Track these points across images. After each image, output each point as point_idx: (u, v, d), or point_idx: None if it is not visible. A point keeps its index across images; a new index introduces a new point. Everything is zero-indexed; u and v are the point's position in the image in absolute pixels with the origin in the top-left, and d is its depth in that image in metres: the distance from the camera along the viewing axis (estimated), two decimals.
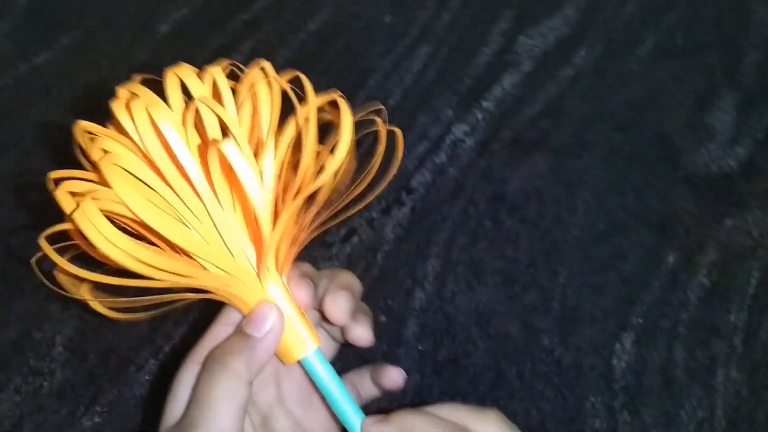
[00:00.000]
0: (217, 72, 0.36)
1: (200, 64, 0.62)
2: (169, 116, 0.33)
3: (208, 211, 0.33)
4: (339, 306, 0.36)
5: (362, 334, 0.38)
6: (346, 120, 0.36)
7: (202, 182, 0.33)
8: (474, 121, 0.60)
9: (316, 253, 0.55)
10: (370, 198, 0.40)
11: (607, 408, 0.49)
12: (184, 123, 0.34)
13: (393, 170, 0.40)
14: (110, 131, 0.35)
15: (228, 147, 0.31)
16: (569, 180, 0.57)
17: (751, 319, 0.52)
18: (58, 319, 0.52)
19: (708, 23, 0.66)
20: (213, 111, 0.33)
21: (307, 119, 0.36)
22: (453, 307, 0.53)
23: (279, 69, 0.63)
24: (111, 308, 0.38)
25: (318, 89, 0.59)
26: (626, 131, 0.60)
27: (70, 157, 0.51)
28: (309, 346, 0.36)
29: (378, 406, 0.48)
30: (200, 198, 0.33)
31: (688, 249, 0.55)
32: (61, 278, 0.36)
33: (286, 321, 0.36)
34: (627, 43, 0.64)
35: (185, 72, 0.36)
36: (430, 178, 0.58)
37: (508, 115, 0.60)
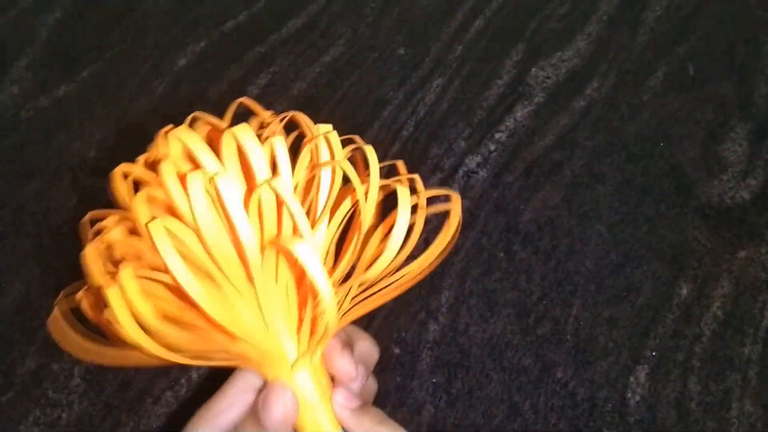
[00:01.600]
0: (278, 143, 0.34)
1: (217, 96, 0.64)
2: (236, 191, 0.31)
3: (254, 286, 0.32)
4: (355, 386, 0.36)
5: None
6: (404, 211, 0.34)
7: (255, 256, 0.32)
8: (487, 153, 0.61)
9: None
10: (421, 275, 0.38)
11: None
12: (246, 202, 0.32)
13: (447, 249, 0.39)
14: (153, 180, 0.34)
15: (300, 248, 0.29)
16: (582, 211, 0.58)
17: (765, 352, 0.52)
18: None
19: (720, 54, 0.67)
20: (280, 196, 0.32)
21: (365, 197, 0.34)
22: (467, 339, 0.53)
23: (294, 101, 0.64)
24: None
25: (333, 121, 0.60)
26: (639, 162, 0.60)
27: (90, 189, 0.53)
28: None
29: None
30: (248, 272, 0.32)
31: (702, 281, 0.55)
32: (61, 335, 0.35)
33: (310, 409, 0.35)
34: (639, 75, 0.65)
35: (245, 134, 0.33)
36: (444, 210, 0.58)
37: (521, 147, 0.61)
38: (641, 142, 0.61)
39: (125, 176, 0.35)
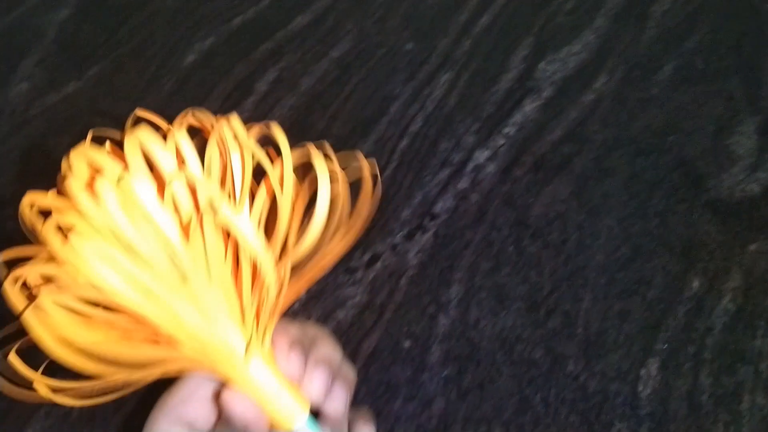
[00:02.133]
0: (178, 135, 0.34)
1: (225, 92, 0.64)
2: (147, 188, 0.32)
3: (191, 284, 0.32)
4: (315, 387, 0.37)
5: (334, 409, 0.37)
6: (323, 180, 0.35)
7: (182, 254, 0.32)
8: (496, 147, 0.61)
9: (340, 279, 0.55)
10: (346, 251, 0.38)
11: None
12: (160, 195, 0.32)
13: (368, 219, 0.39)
14: (64, 203, 0.33)
15: (225, 212, 0.30)
16: (592, 205, 0.58)
17: None
18: None
19: (728, 48, 0.67)
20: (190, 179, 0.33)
21: (281, 179, 0.35)
22: (477, 333, 0.53)
23: (302, 96, 0.65)
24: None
25: (341, 117, 0.60)
26: (648, 156, 0.60)
27: None
28: (299, 416, 0.36)
29: None
30: (180, 271, 0.32)
31: (713, 274, 0.55)
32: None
33: (272, 395, 0.35)
34: (647, 69, 0.65)
35: (147, 137, 0.34)
36: (453, 203, 0.58)
37: (530, 141, 0.61)
38: (650, 136, 0.61)
39: (31, 206, 0.35)
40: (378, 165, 0.60)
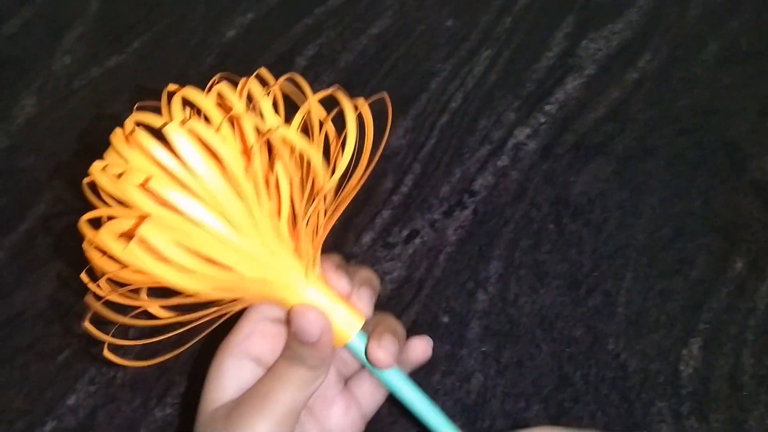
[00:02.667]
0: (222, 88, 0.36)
1: (266, 67, 0.64)
2: (201, 128, 0.33)
3: (252, 218, 0.34)
4: (363, 303, 0.38)
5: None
6: (349, 113, 0.36)
7: (234, 189, 0.34)
8: (536, 125, 0.60)
9: (379, 254, 0.55)
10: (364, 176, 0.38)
11: (674, 413, 0.49)
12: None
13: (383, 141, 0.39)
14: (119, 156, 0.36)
15: (283, 132, 0.33)
16: (634, 184, 0.57)
17: None
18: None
19: None
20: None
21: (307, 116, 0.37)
22: (516, 310, 0.53)
23: (342, 73, 0.65)
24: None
25: (379, 93, 0.60)
26: (691, 136, 0.59)
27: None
28: (354, 328, 0.37)
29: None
30: (239, 203, 0.34)
31: (756, 255, 0.54)
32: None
33: (330, 309, 0.36)
34: (691, 48, 0.64)
35: (191, 92, 0.36)
36: (492, 180, 0.58)
37: (571, 119, 0.60)
38: (693, 115, 0.60)
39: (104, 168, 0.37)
40: (417, 141, 0.60)
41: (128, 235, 0.33)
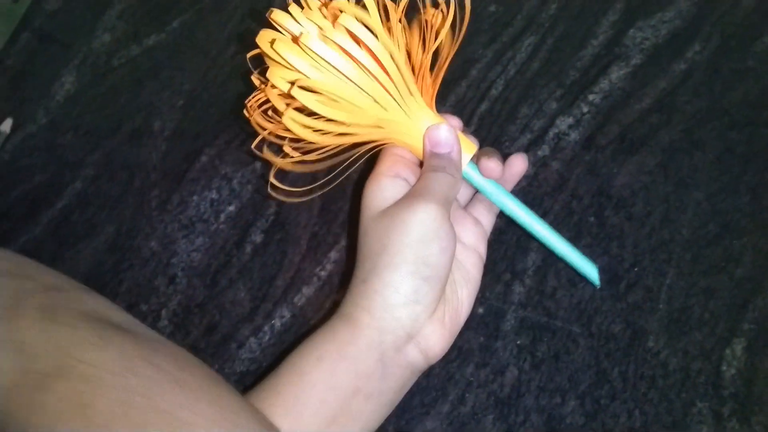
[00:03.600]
0: None
1: None
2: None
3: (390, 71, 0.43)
4: (473, 139, 0.49)
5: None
6: None
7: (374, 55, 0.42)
8: (579, 115, 0.59)
9: None
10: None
11: (715, 414, 0.47)
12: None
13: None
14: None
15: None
16: (679, 178, 0.55)
17: None
18: (164, 293, 0.54)
19: None
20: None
21: None
22: (553, 303, 0.52)
23: None
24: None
25: None
26: (742, 129, 0.57)
27: (177, 136, 0.55)
28: (467, 154, 0.47)
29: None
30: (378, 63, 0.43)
31: None
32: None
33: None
34: (744, 38, 0.62)
35: None
36: (532, 170, 0.57)
37: (616, 110, 0.59)
38: (745, 108, 0.58)
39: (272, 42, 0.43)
40: None
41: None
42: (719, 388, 0.48)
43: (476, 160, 0.47)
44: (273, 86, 0.44)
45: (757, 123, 0.57)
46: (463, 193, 0.51)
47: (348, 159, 0.46)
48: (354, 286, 0.42)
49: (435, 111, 0.47)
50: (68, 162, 0.61)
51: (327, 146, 0.46)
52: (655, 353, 0.49)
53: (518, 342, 0.51)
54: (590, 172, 0.56)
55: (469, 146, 0.47)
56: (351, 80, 0.42)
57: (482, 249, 0.48)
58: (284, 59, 0.42)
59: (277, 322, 0.53)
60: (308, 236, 0.55)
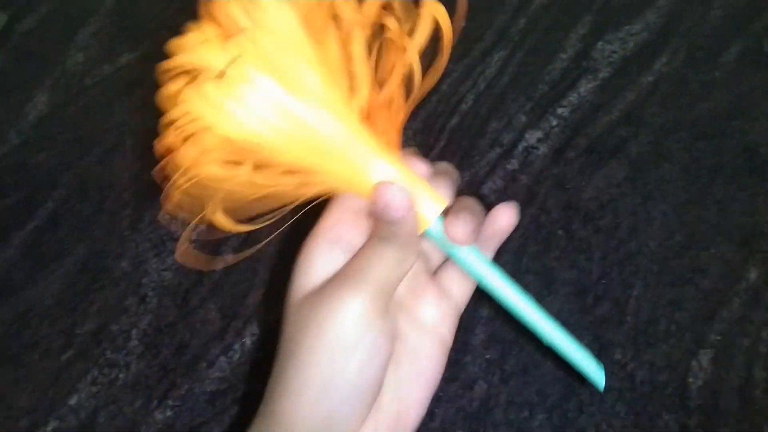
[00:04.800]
0: None
1: None
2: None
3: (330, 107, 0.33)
4: (446, 187, 0.36)
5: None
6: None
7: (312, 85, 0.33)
8: (548, 128, 0.59)
9: None
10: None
11: (682, 427, 0.47)
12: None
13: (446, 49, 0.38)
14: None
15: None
16: (647, 190, 0.56)
17: None
18: (135, 313, 0.54)
19: None
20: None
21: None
22: None
23: None
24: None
25: None
26: (709, 141, 0.58)
27: (151, 156, 0.53)
28: (435, 212, 0.35)
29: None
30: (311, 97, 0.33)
31: None
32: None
33: (410, 189, 0.34)
34: (711, 51, 0.62)
35: None
36: (502, 184, 0.57)
37: (584, 122, 0.59)
38: (712, 120, 0.59)
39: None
40: (427, 143, 0.60)
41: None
42: (686, 399, 0.48)
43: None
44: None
45: (724, 134, 0.58)
46: (436, 253, 0.41)
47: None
48: (266, 396, 0.35)
49: (396, 153, 0.36)
50: (41, 182, 0.61)
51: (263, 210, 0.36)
52: (622, 366, 0.50)
53: (487, 356, 0.51)
54: (559, 185, 0.57)
55: (437, 198, 0.36)
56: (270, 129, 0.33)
57: (447, 331, 0.38)
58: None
59: (247, 341, 0.53)
60: (279, 254, 0.56)
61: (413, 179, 0.35)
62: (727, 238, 0.53)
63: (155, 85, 0.63)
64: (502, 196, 0.56)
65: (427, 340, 0.37)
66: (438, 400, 0.50)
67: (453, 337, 0.39)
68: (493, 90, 0.62)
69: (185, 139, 0.34)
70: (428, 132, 0.60)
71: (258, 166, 0.34)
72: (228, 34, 0.34)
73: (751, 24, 0.64)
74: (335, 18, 0.35)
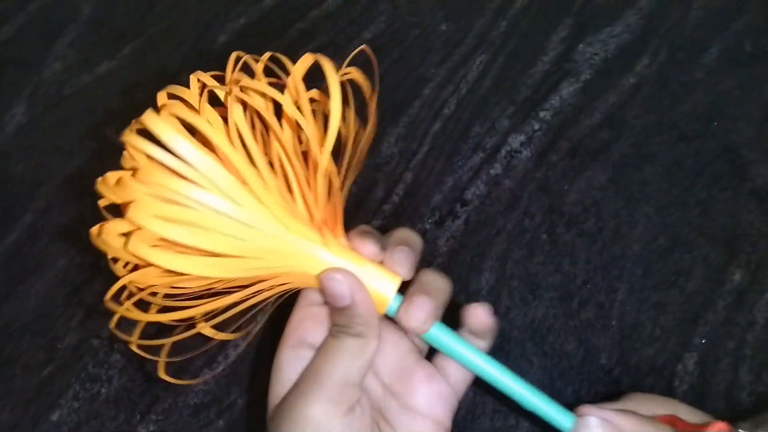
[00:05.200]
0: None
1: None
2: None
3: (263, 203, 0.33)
4: (400, 261, 0.35)
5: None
6: (331, 78, 0.34)
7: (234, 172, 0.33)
8: (531, 132, 0.59)
9: None
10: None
11: None
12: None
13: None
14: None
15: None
16: (630, 193, 0.56)
17: None
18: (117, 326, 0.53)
19: None
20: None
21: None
22: (507, 322, 0.52)
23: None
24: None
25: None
26: (691, 142, 0.58)
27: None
28: (391, 290, 0.35)
29: None
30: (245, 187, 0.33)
31: (755, 266, 0.52)
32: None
33: (360, 274, 0.34)
34: (692, 51, 0.62)
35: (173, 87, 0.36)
36: (485, 189, 0.57)
37: (567, 126, 0.59)
38: (694, 121, 0.59)
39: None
40: (410, 149, 0.59)
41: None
42: None
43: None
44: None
45: (705, 135, 0.58)
46: None
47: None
48: None
49: (340, 239, 0.36)
50: (19, 194, 0.60)
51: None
52: (608, 371, 0.49)
53: None
54: (542, 189, 0.56)
55: (390, 277, 0.35)
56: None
57: (441, 413, 0.36)
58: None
59: (231, 352, 0.52)
60: None
61: (360, 260, 0.35)
62: (711, 240, 0.53)
63: (132, 94, 0.63)
64: (485, 201, 0.56)
65: (421, 423, 0.35)
66: None
67: (451, 419, 0.36)
68: (475, 94, 0.61)
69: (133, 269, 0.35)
70: (411, 138, 0.60)
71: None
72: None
73: (731, 23, 0.64)
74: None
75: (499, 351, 0.51)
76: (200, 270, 0.32)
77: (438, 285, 0.36)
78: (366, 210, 0.56)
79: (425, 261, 0.54)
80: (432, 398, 0.36)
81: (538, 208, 0.56)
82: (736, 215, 0.54)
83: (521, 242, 0.55)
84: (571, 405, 0.48)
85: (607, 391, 0.49)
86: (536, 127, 0.59)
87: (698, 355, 0.50)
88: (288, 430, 0.32)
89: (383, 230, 0.55)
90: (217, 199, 0.32)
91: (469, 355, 0.35)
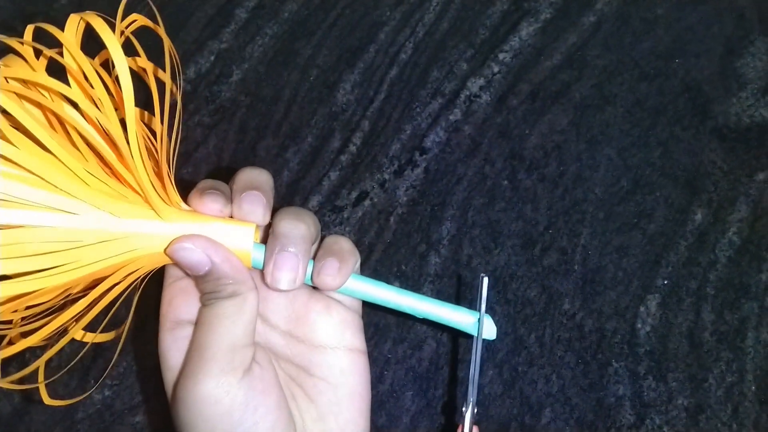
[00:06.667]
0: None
1: (205, 19, 0.60)
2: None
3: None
4: (249, 209, 0.33)
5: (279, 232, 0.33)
6: (103, 33, 0.31)
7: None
8: (490, 75, 0.57)
9: (327, 219, 0.53)
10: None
11: (631, 373, 0.47)
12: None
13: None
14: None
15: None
16: (591, 135, 0.55)
17: None
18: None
19: None
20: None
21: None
22: (469, 272, 0.51)
23: (285, 24, 0.61)
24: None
25: (326, 44, 0.57)
26: (652, 81, 0.56)
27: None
28: (245, 239, 0.33)
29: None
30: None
31: (717, 205, 0.52)
32: None
33: (210, 232, 0.33)
34: None
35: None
36: (444, 136, 0.55)
37: (526, 68, 0.57)
38: (655, 59, 0.57)
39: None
40: (366, 96, 0.57)
41: None
42: (635, 346, 0.48)
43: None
44: None
45: (667, 74, 0.57)
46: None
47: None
48: None
49: (179, 204, 0.34)
50: None
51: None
52: (571, 316, 0.49)
53: None
54: (502, 134, 0.55)
55: (243, 225, 0.33)
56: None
57: (352, 335, 0.35)
58: None
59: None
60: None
61: (205, 219, 0.33)
62: (672, 180, 0.53)
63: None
64: (445, 149, 0.55)
65: (335, 356, 0.35)
66: (387, 362, 0.49)
67: (363, 340, 0.36)
68: (432, 37, 0.59)
69: None
70: (367, 85, 0.57)
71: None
72: None
73: None
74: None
75: (461, 300, 0.50)
76: (34, 286, 0.30)
77: (294, 232, 0.34)
78: (322, 161, 0.55)
79: (384, 212, 0.53)
80: (336, 327, 0.35)
81: (499, 154, 0.54)
82: (698, 154, 0.54)
83: (482, 190, 0.53)
84: (532, 353, 0.48)
85: (570, 336, 0.48)
86: (495, 69, 0.57)
87: (660, 296, 0.49)
88: (188, 416, 0.31)
89: (341, 183, 0.54)
90: (19, 213, 0.29)
91: (384, 293, 0.35)
